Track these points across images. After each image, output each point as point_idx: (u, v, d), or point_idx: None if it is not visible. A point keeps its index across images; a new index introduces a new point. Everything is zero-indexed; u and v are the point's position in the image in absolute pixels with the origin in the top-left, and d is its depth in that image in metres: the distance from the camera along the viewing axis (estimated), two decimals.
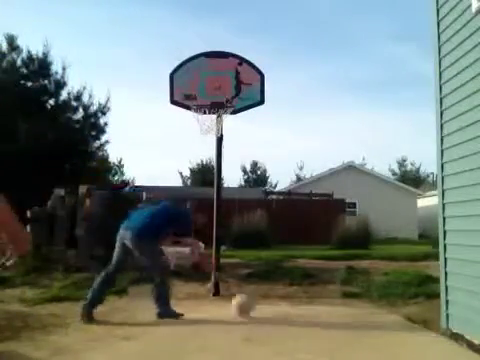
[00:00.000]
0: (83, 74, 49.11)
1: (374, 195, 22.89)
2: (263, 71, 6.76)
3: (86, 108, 18.96)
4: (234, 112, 6.68)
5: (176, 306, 4.95)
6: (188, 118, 6.60)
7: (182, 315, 4.80)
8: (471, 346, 3.75)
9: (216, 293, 6.32)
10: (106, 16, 50.13)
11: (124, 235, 4.80)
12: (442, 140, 4.44)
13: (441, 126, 4.46)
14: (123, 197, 10.31)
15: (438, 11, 4.56)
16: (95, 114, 19.06)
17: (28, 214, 9.46)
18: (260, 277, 7.56)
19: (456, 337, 3.99)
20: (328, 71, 58.19)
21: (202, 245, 7.93)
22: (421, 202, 24.99)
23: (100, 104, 19.04)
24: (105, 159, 23.73)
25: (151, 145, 55.54)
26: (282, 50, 56.02)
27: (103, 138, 19.47)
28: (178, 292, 6.34)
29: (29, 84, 18.07)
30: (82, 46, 48.45)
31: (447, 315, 4.26)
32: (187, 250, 7.41)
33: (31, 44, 25.16)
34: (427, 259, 9.99)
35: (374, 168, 31.39)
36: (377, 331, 4.41)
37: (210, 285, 6.36)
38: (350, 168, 25.16)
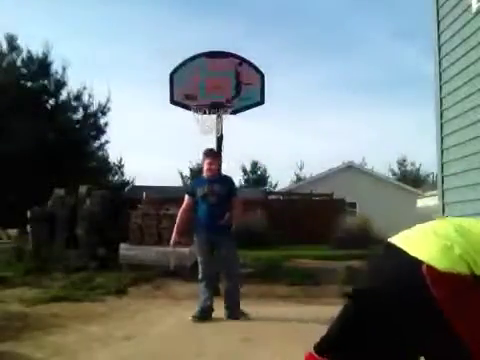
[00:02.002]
0: (83, 74, 49.15)
1: (374, 195, 22.87)
2: (263, 71, 6.77)
3: (86, 108, 18.98)
4: (234, 112, 6.68)
5: (176, 306, 4.96)
6: (188, 118, 6.61)
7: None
8: None
9: (216, 293, 6.31)
10: (107, 16, 50.14)
11: None
12: (442, 140, 4.44)
13: (441, 126, 4.46)
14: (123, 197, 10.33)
15: (438, 11, 4.56)
16: (95, 114, 19.08)
17: (28, 214, 9.45)
18: (260, 277, 7.55)
19: None
20: (328, 71, 58.20)
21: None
22: (421, 202, 24.98)
23: (100, 104, 19.07)
24: (105, 159, 23.75)
25: (151, 145, 55.51)
26: (282, 50, 56.06)
27: (103, 138, 19.51)
28: (178, 292, 6.36)
29: (29, 84, 18.08)
30: (82, 46, 48.45)
31: None
32: (187, 250, 7.41)
33: (31, 44, 25.15)
34: None
35: (374, 168, 31.42)
36: None
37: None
38: (350, 168, 25.15)
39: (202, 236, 4.84)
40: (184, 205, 4.98)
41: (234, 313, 4.74)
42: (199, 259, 4.90)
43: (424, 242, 1.17)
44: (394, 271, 1.16)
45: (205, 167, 4.90)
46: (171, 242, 4.99)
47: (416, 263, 1.10)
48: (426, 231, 1.23)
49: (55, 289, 6.40)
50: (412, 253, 1.14)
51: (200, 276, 4.85)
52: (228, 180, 5.15)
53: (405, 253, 1.15)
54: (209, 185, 4.81)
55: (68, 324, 4.56)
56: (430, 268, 1.07)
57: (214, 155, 5.06)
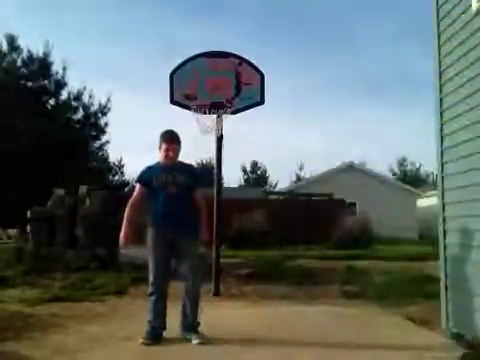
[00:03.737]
0: (83, 74, 49.15)
1: (374, 195, 22.88)
2: (263, 71, 6.76)
3: (86, 108, 18.99)
4: (234, 112, 6.67)
5: (175, 306, 4.94)
6: (188, 118, 6.61)
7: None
8: (472, 346, 3.74)
9: (216, 293, 6.31)
10: (107, 16, 50.17)
11: None
12: (442, 140, 4.44)
13: (441, 126, 4.46)
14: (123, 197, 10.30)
15: (438, 11, 4.56)
16: (95, 114, 19.09)
17: (28, 214, 9.45)
18: (260, 277, 7.55)
19: (456, 337, 3.99)
20: (329, 71, 58.21)
21: None
22: (421, 202, 24.99)
23: (100, 104, 19.07)
24: (105, 159, 23.76)
25: (151, 145, 55.53)
26: (282, 50, 56.08)
27: (103, 138, 19.53)
28: (177, 292, 6.34)
29: (29, 84, 18.08)
30: (83, 46, 48.46)
31: (447, 315, 4.26)
32: None
33: (31, 44, 25.12)
34: (427, 259, 9.98)
35: (374, 168, 31.44)
36: (378, 331, 4.40)
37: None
38: (350, 168, 25.17)
39: (158, 234, 4.00)
40: (136, 195, 4.12)
41: (189, 332, 4.01)
42: (152, 264, 4.01)
43: None
44: None
45: (162, 153, 4.05)
46: (121, 243, 4.11)
47: None
48: None
49: (55, 289, 6.40)
50: None
51: (151, 289, 4.04)
52: (192, 169, 4.38)
53: None
54: (167, 173, 4.02)
55: (68, 324, 4.55)
56: None
57: (172, 139, 4.09)
